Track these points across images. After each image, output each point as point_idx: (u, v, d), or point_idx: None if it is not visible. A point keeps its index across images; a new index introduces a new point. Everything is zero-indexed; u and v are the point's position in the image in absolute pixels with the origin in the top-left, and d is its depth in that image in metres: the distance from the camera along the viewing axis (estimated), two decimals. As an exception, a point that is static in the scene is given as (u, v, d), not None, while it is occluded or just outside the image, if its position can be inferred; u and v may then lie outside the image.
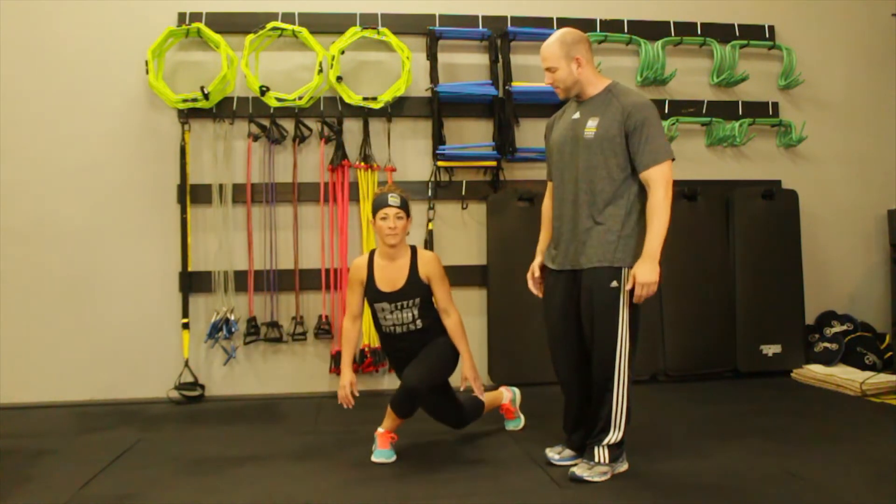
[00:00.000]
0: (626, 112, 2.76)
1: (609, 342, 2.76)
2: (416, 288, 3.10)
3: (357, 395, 3.14)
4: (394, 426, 3.12)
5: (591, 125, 2.80)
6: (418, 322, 3.11)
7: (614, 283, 2.76)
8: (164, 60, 4.29)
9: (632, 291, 2.74)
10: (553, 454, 3.01)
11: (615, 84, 2.89)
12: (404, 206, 3.08)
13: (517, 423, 3.53)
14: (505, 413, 3.54)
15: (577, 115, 2.87)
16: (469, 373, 3.15)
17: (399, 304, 3.08)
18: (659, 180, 2.72)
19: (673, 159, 2.78)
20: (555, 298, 2.94)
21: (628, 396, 2.80)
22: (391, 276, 3.10)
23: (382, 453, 3.08)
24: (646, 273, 2.69)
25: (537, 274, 3.04)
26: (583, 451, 2.93)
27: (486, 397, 3.33)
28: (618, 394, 2.78)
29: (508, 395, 3.55)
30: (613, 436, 2.80)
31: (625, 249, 2.78)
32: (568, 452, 3.00)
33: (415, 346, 3.12)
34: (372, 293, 3.12)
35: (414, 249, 3.16)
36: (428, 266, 3.12)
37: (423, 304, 3.12)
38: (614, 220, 2.78)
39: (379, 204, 3.07)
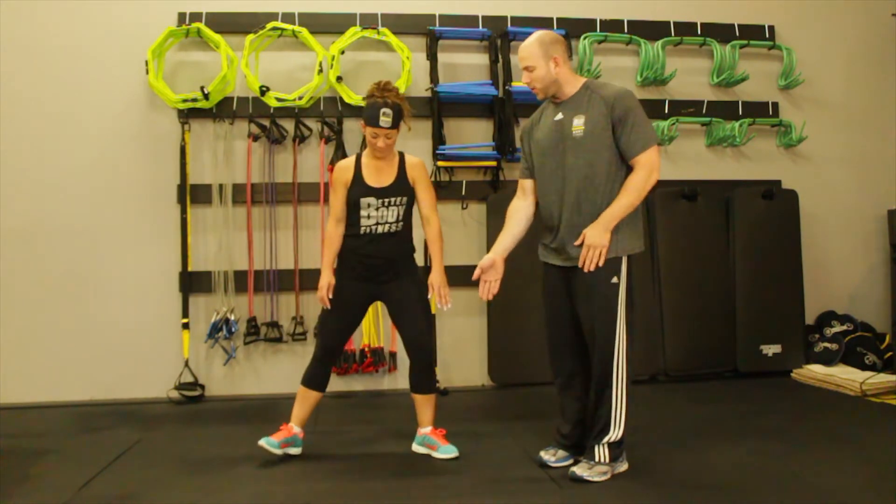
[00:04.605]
0: (608, 104, 2.79)
1: (608, 338, 2.77)
2: (405, 187, 3.11)
3: (331, 297, 3.09)
4: (305, 416, 3.20)
5: (578, 123, 2.82)
6: (400, 224, 3.11)
7: (614, 280, 2.77)
8: (164, 60, 4.29)
9: (629, 286, 2.79)
10: (548, 456, 3.00)
11: (591, 81, 2.93)
12: (396, 125, 3.01)
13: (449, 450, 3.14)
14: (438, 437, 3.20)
15: (559, 117, 2.88)
16: (436, 280, 3.12)
17: (387, 200, 3.08)
18: (646, 165, 2.76)
19: (660, 143, 2.80)
20: (559, 295, 2.94)
21: (627, 394, 2.81)
22: (380, 174, 3.10)
23: (271, 442, 3.09)
24: (595, 236, 2.72)
25: (486, 265, 2.93)
26: (576, 449, 2.95)
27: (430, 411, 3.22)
28: (617, 391, 2.79)
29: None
30: (613, 434, 2.80)
31: (627, 238, 2.80)
32: (562, 453, 3.00)
33: (390, 252, 3.10)
34: (360, 188, 3.08)
35: (402, 154, 3.17)
36: (415, 169, 3.14)
37: (407, 206, 3.13)
38: None
39: (371, 120, 2.98)
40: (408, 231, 3.16)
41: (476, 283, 4.50)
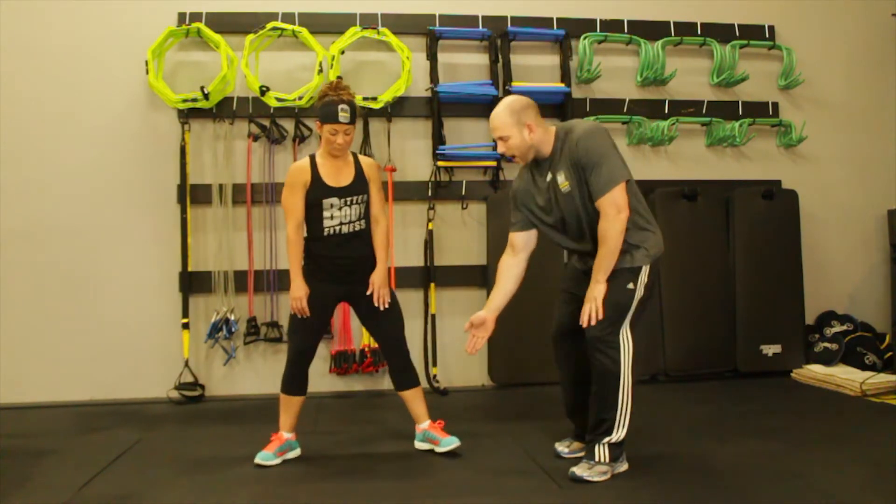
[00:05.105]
0: (572, 150, 2.80)
1: (614, 340, 2.78)
2: (363, 186, 3.13)
3: (306, 306, 3.08)
4: (292, 422, 3.16)
5: (562, 180, 2.84)
6: (362, 222, 3.13)
7: (630, 286, 2.80)
8: (164, 60, 4.29)
9: (645, 295, 2.82)
10: (562, 448, 3.07)
11: (559, 128, 2.92)
12: (353, 121, 3.03)
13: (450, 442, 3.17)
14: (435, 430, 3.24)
15: (549, 177, 2.90)
16: (378, 280, 3.12)
17: (349, 199, 3.08)
18: (608, 208, 2.75)
19: (628, 180, 2.78)
20: (574, 293, 2.97)
21: (632, 396, 2.81)
22: (338, 173, 3.10)
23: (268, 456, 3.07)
24: (591, 292, 2.78)
25: (478, 322, 3.02)
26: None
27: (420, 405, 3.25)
28: (622, 393, 2.79)
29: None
30: (616, 435, 2.80)
31: (643, 251, 2.83)
32: (577, 445, 3.05)
33: (357, 252, 3.11)
34: (320, 189, 3.05)
35: (355, 153, 3.19)
36: (370, 169, 3.17)
37: (367, 205, 3.15)
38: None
39: (329, 116, 2.98)
40: (368, 230, 3.17)
41: (476, 284, 4.55)
